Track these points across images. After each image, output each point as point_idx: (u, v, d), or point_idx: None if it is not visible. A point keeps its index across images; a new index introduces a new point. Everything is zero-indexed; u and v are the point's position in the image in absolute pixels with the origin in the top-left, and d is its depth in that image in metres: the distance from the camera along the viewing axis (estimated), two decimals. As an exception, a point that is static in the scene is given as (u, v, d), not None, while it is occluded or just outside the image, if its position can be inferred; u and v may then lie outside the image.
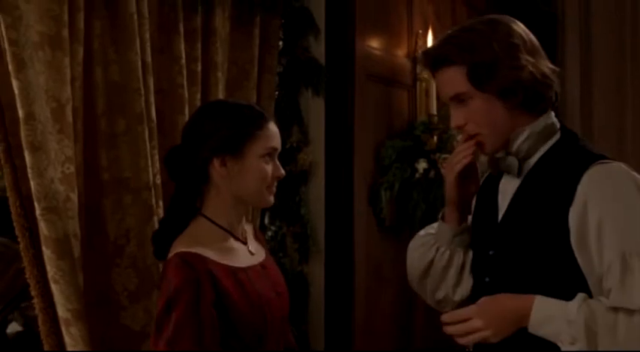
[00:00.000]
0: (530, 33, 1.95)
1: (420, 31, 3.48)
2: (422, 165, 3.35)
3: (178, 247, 1.99)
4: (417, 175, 3.35)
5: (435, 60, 1.93)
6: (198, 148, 2.05)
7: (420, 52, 3.36)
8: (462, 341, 1.86)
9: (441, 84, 1.95)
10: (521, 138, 1.93)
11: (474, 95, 1.90)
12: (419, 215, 3.39)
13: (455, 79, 1.90)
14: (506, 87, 1.88)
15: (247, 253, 2.13)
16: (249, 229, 2.23)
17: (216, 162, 2.04)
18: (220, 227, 2.09)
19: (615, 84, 4.33)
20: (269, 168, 2.08)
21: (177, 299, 1.89)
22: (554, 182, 1.88)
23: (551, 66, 1.94)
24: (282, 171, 2.12)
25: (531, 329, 1.82)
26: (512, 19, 1.95)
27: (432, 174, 3.37)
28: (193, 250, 1.97)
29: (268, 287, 2.10)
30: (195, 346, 1.88)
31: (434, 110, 3.40)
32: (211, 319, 1.92)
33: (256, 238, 2.25)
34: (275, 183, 2.12)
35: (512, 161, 1.94)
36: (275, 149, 2.10)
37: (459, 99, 1.92)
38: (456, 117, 1.94)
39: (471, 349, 1.94)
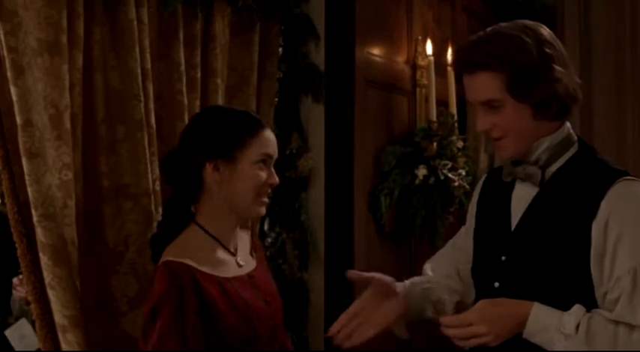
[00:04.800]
0: (558, 40, 1.96)
1: (420, 38, 3.48)
2: (422, 171, 3.34)
3: (167, 256, 2.01)
4: (417, 181, 3.35)
5: (472, 63, 1.91)
6: (192, 152, 2.07)
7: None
8: (462, 344, 1.88)
9: (473, 87, 1.94)
10: (542, 147, 1.95)
11: (507, 103, 1.90)
12: (419, 221, 3.39)
13: (491, 84, 1.89)
14: (543, 99, 1.89)
15: (235, 265, 2.14)
16: (245, 237, 2.24)
17: (208, 167, 2.06)
18: (211, 236, 2.10)
19: (615, 91, 4.33)
20: (262, 174, 2.08)
21: (161, 308, 1.93)
22: (577, 194, 1.91)
23: (578, 80, 1.95)
24: (276, 179, 2.12)
25: (525, 336, 1.86)
26: (542, 25, 1.95)
27: (431, 180, 3.37)
28: (180, 259, 1.98)
29: (255, 297, 2.10)
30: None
31: (434, 116, 3.40)
32: (195, 327, 1.94)
33: (252, 246, 2.25)
34: (268, 191, 2.12)
35: (534, 170, 1.96)
36: (269, 156, 2.10)
37: (491, 105, 1.92)
38: (484, 121, 1.95)
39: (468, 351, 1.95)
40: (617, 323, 1.81)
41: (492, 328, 1.84)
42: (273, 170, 2.13)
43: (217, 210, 2.10)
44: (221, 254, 2.11)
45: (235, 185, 2.07)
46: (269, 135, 2.12)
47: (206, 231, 2.10)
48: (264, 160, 2.09)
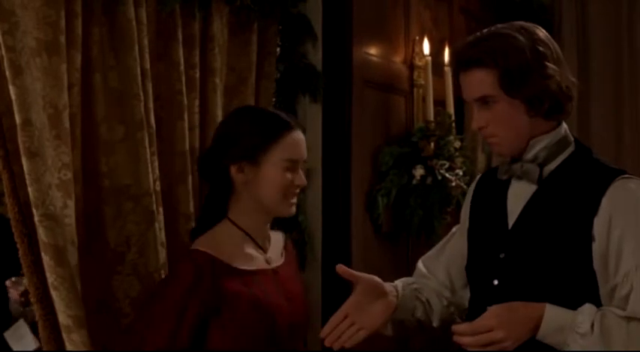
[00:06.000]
0: (554, 41, 2.00)
1: (417, 38, 3.49)
2: (419, 171, 3.34)
3: (195, 245, 2.11)
4: (414, 181, 3.35)
5: (467, 60, 1.96)
6: (220, 154, 2.11)
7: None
8: (478, 350, 1.88)
9: (468, 84, 1.98)
10: (540, 145, 1.99)
11: (500, 99, 1.94)
12: (416, 221, 3.39)
13: (485, 81, 1.94)
14: (535, 95, 1.92)
15: (263, 261, 2.16)
16: (278, 237, 2.27)
17: (233, 169, 2.09)
18: (242, 230, 2.15)
19: (613, 91, 4.34)
20: (287, 176, 2.11)
21: (176, 283, 2.01)
22: (576, 191, 1.94)
23: (572, 78, 1.99)
24: (303, 180, 2.16)
25: (539, 338, 1.87)
26: (538, 26, 2.00)
27: (429, 180, 3.37)
28: (205, 249, 2.06)
29: (277, 293, 2.13)
30: (165, 337, 1.97)
31: (431, 116, 3.40)
32: (194, 319, 2.00)
33: (285, 246, 2.28)
34: (295, 192, 2.15)
35: (533, 167, 1.98)
36: (293, 160, 2.12)
37: (485, 101, 1.96)
38: (479, 118, 1.99)
39: None
40: (629, 319, 1.84)
41: (510, 333, 1.85)
42: (300, 171, 2.16)
43: (247, 208, 2.16)
44: (250, 248, 2.17)
45: (261, 187, 2.12)
46: (296, 137, 2.15)
47: (238, 227, 2.15)
48: (289, 164, 2.11)
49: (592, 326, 1.83)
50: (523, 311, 1.88)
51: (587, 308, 1.86)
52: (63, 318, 2.11)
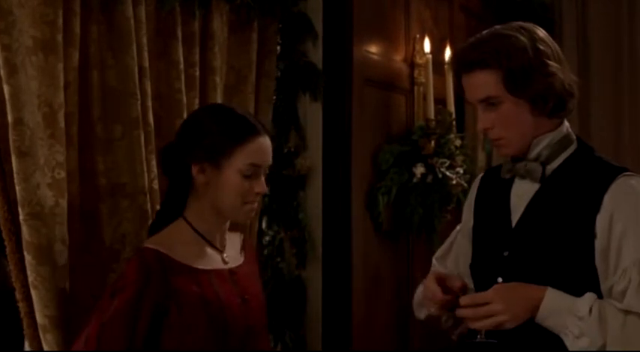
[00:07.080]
0: (554, 40, 2.01)
1: (418, 36, 3.48)
2: (419, 169, 3.34)
3: (147, 242, 2.08)
4: (415, 180, 3.35)
5: (469, 62, 1.96)
6: (182, 151, 2.08)
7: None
8: (477, 324, 1.91)
9: (472, 86, 1.99)
10: (543, 144, 2.00)
11: (505, 99, 1.95)
12: (416, 219, 3.39)
13: (489, 82, 1.94)
14: (539, 94, 1.93)
15: (220, 261, 2.13)
16: (234, 238, 2.24)
17: (194, 169, 2.06)
18: (196, 231, 2.11)
19: (612, 90, 4.33)
20: (246, 184, 2.06)
21: (123, 291, 1.97)
22: (579, 189, 1.95)
23: (573, 77, 2.00)
24: (264, 188, 2.10)
25: (538, 320, 1.89)
26: (537, 26, 2.01)
27: (429, 178, 3.37)
28: (155, 247, 2.03)
29: (232, 292, 2.10)
30: (122, 339, 1.95)
31: (431, 114, 3.40)
32: (147, 320, 1.98)
33: (243, 246, 2.25)
34: (255, 199, 2.11)
35: (535, 166, 2.00)
36: (256, 165, 2.08)
37: (490, 102, 1.97)
38: (484, 119, 1.99)
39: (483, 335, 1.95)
40: (626, 312, 1.86)
41: (509, 307, 1.88)
42: (262, 178, 2.10)
43: (204, 209, 2.11)
44: (205, 249, 2.13)
45: (221, 190, 2.07)
46: (261, 142, 2.09)
47: (192, 227, 2.12)
48: (252, 169, 2.08)
49: (590, 310, 1.85)
50: (524, 290, 1.91)
51: (588, 295, 1.88)
52: (40, 318, 2.11)
